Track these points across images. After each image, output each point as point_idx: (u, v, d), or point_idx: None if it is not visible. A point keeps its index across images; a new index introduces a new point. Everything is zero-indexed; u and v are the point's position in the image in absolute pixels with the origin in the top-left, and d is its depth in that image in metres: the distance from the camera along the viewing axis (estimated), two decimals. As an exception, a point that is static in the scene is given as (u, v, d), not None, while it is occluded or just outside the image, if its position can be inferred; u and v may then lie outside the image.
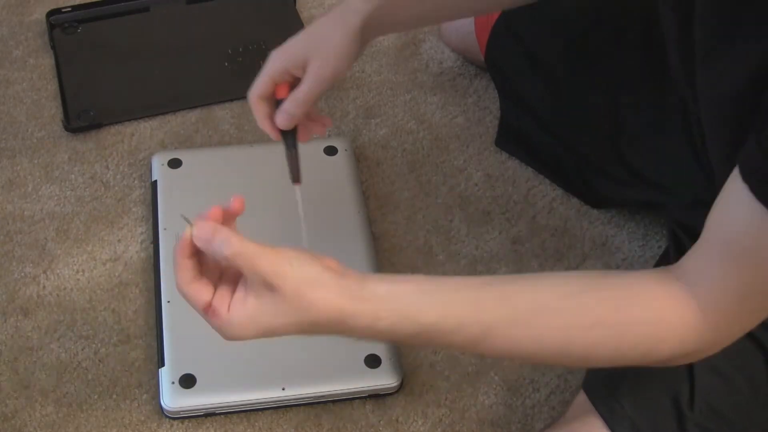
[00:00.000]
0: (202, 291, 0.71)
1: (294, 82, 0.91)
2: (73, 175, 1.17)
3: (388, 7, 0.91)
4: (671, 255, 0.94)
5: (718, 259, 0.65)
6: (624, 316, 0.68)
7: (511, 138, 1.20)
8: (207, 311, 0.71)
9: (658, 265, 0.98)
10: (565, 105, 1.12)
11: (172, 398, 0.94)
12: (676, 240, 0.94)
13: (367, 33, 0.91)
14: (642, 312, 0.68)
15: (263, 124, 0.92)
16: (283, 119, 0.91)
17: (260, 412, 0.96)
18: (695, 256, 0.67)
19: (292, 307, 0.71)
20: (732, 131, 0.69)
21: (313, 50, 0.89)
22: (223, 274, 0.73)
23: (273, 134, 0.92)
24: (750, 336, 0.82)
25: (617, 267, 1.09)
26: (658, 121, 1.01)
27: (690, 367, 0.81)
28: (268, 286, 0.69)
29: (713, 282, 0.66)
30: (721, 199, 0.65)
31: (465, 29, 1.24)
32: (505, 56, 1.17)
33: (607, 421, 0.81)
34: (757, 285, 0.64)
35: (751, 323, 0.69)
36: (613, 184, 1.09)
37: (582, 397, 0.86)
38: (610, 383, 0.84)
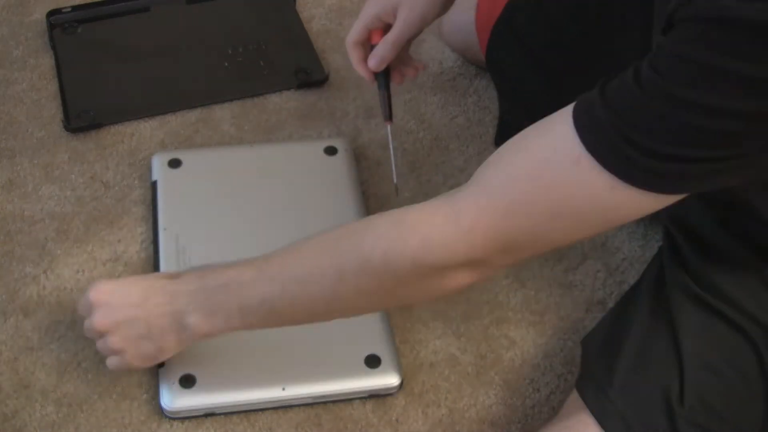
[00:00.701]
0: None
1: (387, 28, 1.01)
2: (73, 175, 1.17)
3: None
4: (664, 253, 0.94)
5: (498, 170, 0.73)
6: (368, 222, 0.78)
7: (510, 137, 1.20)
8: None
9: (652, 264, 0.98)
10: (565, 101, 1.12)
11: (172, 398, 0.94)
12: (670, 237, 0.94)
13: None
14: (384, 218, 0.77)
15: (358, 67, 1.03)
16: (374, 61, 1.01)
17: (260, 412, 0.96)
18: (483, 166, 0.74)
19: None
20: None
21: None
22: None
23: (366, 75, 1.04)
24: (741, 332, 0.82)
25: (617, 267, 1.10)
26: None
27: (680, 362, 0.81)
28: None
29: (476, 187, 0.73)
30: (542, 122, 0.71)
31: (466, 29, 1.24)
32: (505, 55, 1.17)
33: (598, 417, 0.82)
34: (520, 205, 0.69)
35: (513, 243, 0.72)
36: None
37: (575, 395, 0.87)
38: (602, 380, 0.84)
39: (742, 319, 0.83)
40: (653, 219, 1.13)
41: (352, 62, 1.04)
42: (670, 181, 0.66)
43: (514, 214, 0.71)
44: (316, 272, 0.79)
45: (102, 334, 0.88)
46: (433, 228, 0.73)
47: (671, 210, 0.97)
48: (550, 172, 0.68)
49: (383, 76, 1.04)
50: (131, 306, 0.86)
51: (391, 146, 1.08)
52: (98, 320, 0.87)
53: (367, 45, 1.03)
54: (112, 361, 0.91)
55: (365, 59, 1.03)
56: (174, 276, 0.88)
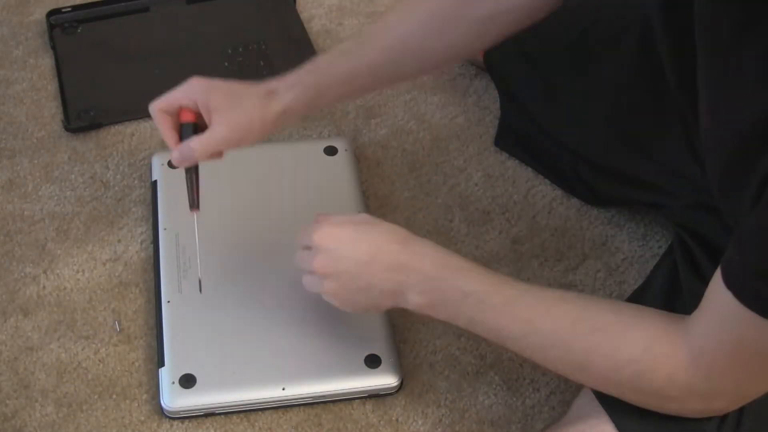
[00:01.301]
0: None
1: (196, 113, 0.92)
2: (73, 175, 1.17)
3: (313, 93, 0.93)
4: (678, 260, 0.93)
5: (706, 318, 0.73)
6: (623, 328, 0.78)
7: (511, 138, 1.20)
8: None
9: (659, 266, 0.98)
10: (563, 107, 1.12)
11: (172, 398, 0.94)
12: (683, 244, 0.93)
13: (284, 118, 0.93)
14: (639, 334, 0.77)
15: (169, 136, 0.91)
16: (177, 158, 0.91)
17: (260, 412, 0.96)
18: (696, 314, 0.75)
19: None
20: (728, 165, 0.73)
21: (226, 109, 0.90)
22: None
23: (173, 149, 0.91)
24: None
25: (617, 267, 1.09)
26: (656, 124, 1.01)
27: None
28: None
29: (707, 333, 0.73)
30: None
31: None
32: (504, 58, 1.17)
33: (617, 422, 0.81)
34: (748, 348, 0.71)
35: (748, 386, 0.75)
36: (612, 185, 1.09)
37: (585, 399, 0.86)
38: None
39: None
40: (655, 220, 1.13)
41: (162, 130, 0.92)
42: None
43: (750, 387, 0.75)
44: (560, 347, 0.80)
45: (320, 276, 0.88)
46: (677, 368, 0.75)
47: (680, 215, 0.97)
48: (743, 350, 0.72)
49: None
50: (358, 261, 0.86)
51: (197, 238, 0.97)
52: (320, 263, 0.87)
53: (175, 115, 0.92)
54: (321, 288, 0.89)
55: (175, 129, 0.92)
56: (406, 242, 0.86)
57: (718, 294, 0.70)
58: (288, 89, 0.92)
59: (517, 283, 0.84)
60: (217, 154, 0.93)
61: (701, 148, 0.83)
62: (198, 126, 0.92)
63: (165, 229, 1.07)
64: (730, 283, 0.69)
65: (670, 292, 0.91)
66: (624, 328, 0.78)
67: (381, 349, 0.97)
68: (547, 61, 1.12)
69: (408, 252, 0.86)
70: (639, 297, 0.95)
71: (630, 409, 0.81)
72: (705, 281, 0.87)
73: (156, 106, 0.92)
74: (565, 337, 0.80)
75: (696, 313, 0.75)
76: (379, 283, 0.86)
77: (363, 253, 0.86)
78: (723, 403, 0.76)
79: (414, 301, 0.85)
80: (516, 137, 1.19)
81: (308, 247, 0.89)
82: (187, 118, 0.92)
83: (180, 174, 1.12)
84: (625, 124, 1.05)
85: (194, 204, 0.94)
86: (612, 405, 0.82)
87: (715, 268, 0.85)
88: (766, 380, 0.74)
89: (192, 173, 0.93)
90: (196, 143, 0.90)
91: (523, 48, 1.13)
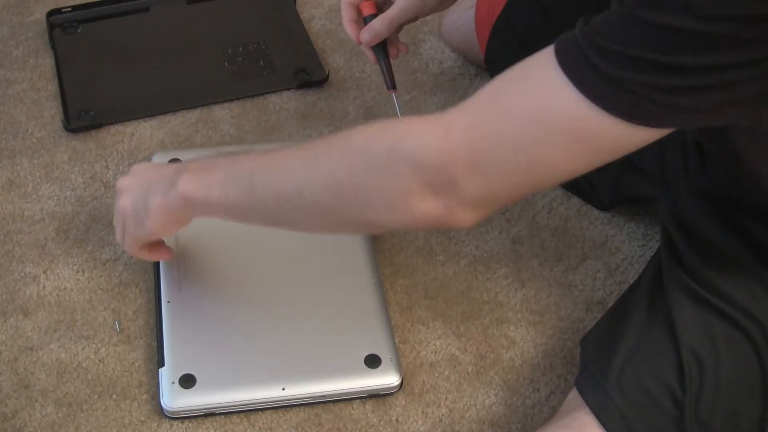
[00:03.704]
0: None
1: (378, 3, 1.05)
2: (73, 175, 1.17)
3: None
4: (661, 249, 0.94)
5: (476, 99, 0.72)
6: (366, 127, 0.78)
7: None
8: None
9: (651, 263, 0.98)
10: None
11: (172, 398, 0.94)
12: (667, 237, 0.94)
13: None
14: (383, 125, 0.77)
15: (348, 27, 1.06)
16: (368, 36, 1.05)
17: (260, 412, 0.96)
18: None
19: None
20: None
21: None
22: None
23: (354, 37, 1.07)
24: (737, 326, 0.82)
25: (617, 267, 1.09)
26: None
27: (678, 357, 0.82)
28: None
29: (464, 110, 0.72)
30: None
31: (466, 28, 1.24)
32: (505, 53, 1.17)
33: (597, 414, 0.82)
34: (510, 121, 0.69)
35: (499, 183, 0.71)
36: (610, 178, 1.09)
37: (573, 394, 0.87)
38: (599, 377, 0.84)
39: (737, 314, 0.83)
40: (654, 220, 1.13)
41: (344, 20, 1.07)
42: (644, 102, 0.64)
43: (491, 123, 0.71)
44: (303, 153, 0.81)
45: (119, 195, 0.94)
46: (416, 125, 0.74)
47: (669, 208, 0.98)
48: (529, 98, 0.69)
49: (381, 47, 1.08)
50: (148, 170, 0.94)
51: (398, 112, 1.11)
52: (120, 180, 0.95)
53: (357, 9, 1.07)
54: (118, 236, 0.97)
55: (355, 21, 1.06)
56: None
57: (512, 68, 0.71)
58: None
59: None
60: (398, 28, 1.06)
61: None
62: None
63: (165, 229, 1.07)
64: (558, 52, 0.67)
65: (655, 284, 0.91)
66: (367, 125, 0.78)
67: (381, 349, 0.97)
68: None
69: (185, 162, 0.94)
70: (630, 293, 0.95)
71: (610, 399, 0.81)
72: (684, 268, 0.87)
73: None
74: (310, 156, 0.80)
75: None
76: (156, 181, 0.90)
77: (152, 167, 0.95)
78: (464, 208, 0.73)
79: (181, 181, 0.86)
80: None
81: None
82: (369, 11, 1.06)
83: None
84: None
85: (391, 84, 1.09)
86: (590, 394, 0.83)
87: (696, 255, 0.86)
88: (522, 174, 0.71)
89: (382, 57, 1.08)
90: (377, 21, 1.04)
91: (525, 44, 1.13)
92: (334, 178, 0.77)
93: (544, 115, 0.68)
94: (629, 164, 1.06)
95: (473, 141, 0.71)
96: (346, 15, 1.06)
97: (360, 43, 1.07)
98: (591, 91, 0.65)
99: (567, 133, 0.68)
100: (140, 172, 0.95)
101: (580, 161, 0.70)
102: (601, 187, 1.12)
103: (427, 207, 0.74)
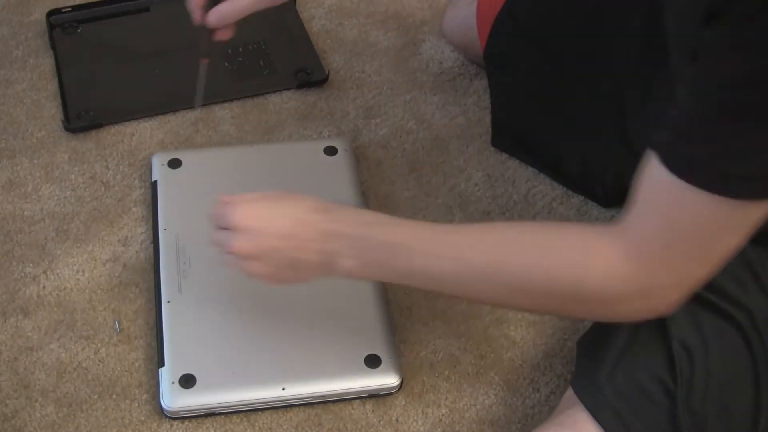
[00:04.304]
0: None
1: None
2: (73, 175, 1.17)
3: None
4: None
5: (641, 212, 0.74)
6: (554, 240, 0.78)
7: (507, 137, 1.20)
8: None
9: None
10: (568, 92, 1.12)
11: (172, 398, 0.94)
12: None
13: None
14: (571, 240, 0.77)
15: (196, 9, 0.98)
16: (216, 18, 0.97)
17: (260, 412, 0.96)
18: (628, 210, 0.75)
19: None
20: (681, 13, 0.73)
21: None
22: None
23: (198, 16, 0.98)
24: (728, 318, 0.83)
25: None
26: (660, 105, 1.02)
27: (669, 351, 0.82)
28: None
29: (640, 220, 0.73)
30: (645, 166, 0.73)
31: (467, 23, 1.24)
32: (507, 46, 1.17)
33: (591, 411, 0.82)
34: (678, 230, 0.71)
35: (689, 269, 0.74)
36: (615, 173, 1.09)
37: (569, 392, 0.87)
38: (592, 374, 0.84)
39: (726, 304, 0.83)
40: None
41: (189, 3, 0.99)
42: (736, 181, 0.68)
43: (675, 241, 0.73)
44: (495, 272, 0.79)
45: (242, 258, 0.87)
46: (614, 264, 0.75)
47: None
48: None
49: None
50: (281, 237, 0.85)
51: (202, 82, 1.07)
52: (242, 245, 0.86)
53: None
54: (246, 269, 0.88)
55: (203, 4, 0.99)
56: (326, 210, 0.86)
57: (647, 179, 0.72)
58: None
59: (440, 225, 0.85)
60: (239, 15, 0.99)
61: None
62: None
63: (165, 229, 1.07)
64: (658, 153, 0.70)
65: None
66: (555, 238, 0.78)
67: (381, 349, 0.97)
68: (551, 49, 1.12)
69: (329, 219, 0.85)
70: None
71: (602, 394, 0.82)
72: None
73: None
74: (498, 263, 0.79)
75: (627, 210, 0.75)
76: (306, 256, 0.85)
77: (284, 227, 0.85)
78: (666, 297, 0.76)
79: (345, 266, 0.84)
80: (513, 135, 1.19)
81: (224, 228, 0.88)
82: None
83: (180, 175, 1.13)
84: (631, 105, 1.05)
85: (206, 53, 1.03)
86: (584, 391, 0.83)
87: None
88: (705, 259, 0.74)
89: (207, 32, 1.00)
90: (227, 6, 0.97)
91: (527, 36, 1.14)
92: (536, 303, 0.80)
93: (715, 230, 0.72)
94: (629, 159, 1.06)
95: (675, 283, 0.75)
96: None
97: (201, 23, 0.99)
98: (744, 195, 0.69)
99: (735, 228, 0.72)
100: (262, 234, 0.86)
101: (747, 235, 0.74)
102: (603, 183, 1.12)
103: (630, 312, 0.78)
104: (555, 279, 0.77)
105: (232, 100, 1.26)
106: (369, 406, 0.97)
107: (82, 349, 1.01)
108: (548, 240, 0.78)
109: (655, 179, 0.71)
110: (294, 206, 0.87)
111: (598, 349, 0.86)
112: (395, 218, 0.86)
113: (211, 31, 1.00)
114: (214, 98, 1.26)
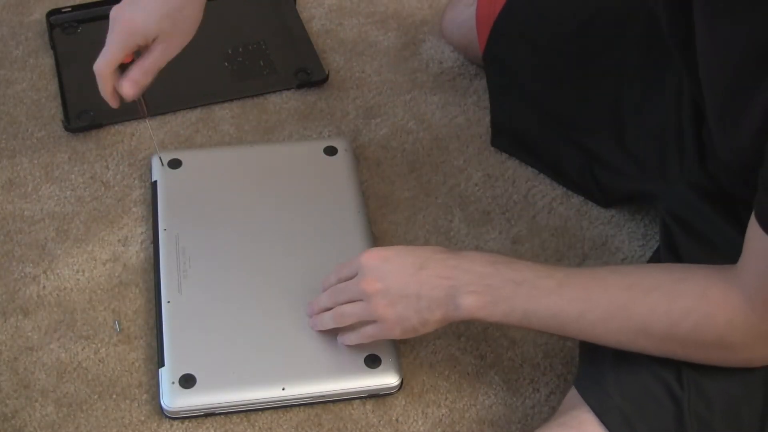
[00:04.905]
0: None
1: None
2: (73, 175, 1.17)
3: None
4: (661, 248, 0.94)
5: (747, 259, 0.75)
6: (678, 284, 0.79)
7: (507, 136, 1.20)
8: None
9: (650, 261, 0.98)
10: (567, 94, 1.12)
11: (172, 398, 0.94)
12: (666, 232, 0.94)
13: None
14: (692, 285, 0.78)
15: (109, 96, 0.98)
16: (130, 88, 0.97)
17: (260, 412, 0.96)
18: (743, 259, 0.76)
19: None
20: (726, 94, 0.75)
21: (168, 26, 0.95)
22: None
23: (115, 103, 0.99)
24: None
25: (617, 267, 1.09)
26: (658, 108, 1.02)
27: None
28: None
29: (758, 273, 0.74)
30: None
31: (466, 25, 1.24)
32: (506, 49, 1.17)
33: (597, 412, 0.82)
34: None
35: None
36: (612, 174, 1.09)
37: (572, 392, 0.87)
38: (598, 375, 0.84)
39: None
40: (654, 219, 1.13)
41: (105, 91, 0.99)
42: None
43: None
44: (619, 316, 0.80)
45: (368, 296, 0.87)
46: (735, 311, 0.76)
47: (668, 202, 0.98)
48: None
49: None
50: (406, 273, 0.86)
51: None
52: (368, 281, 0.87)
53: (116, 74, 0.99)
54: (367, 331, 0.90)
55: (114, 94, 0.99)
56: (452, 251, 0.88)
57: (757, 239, 0.72)
58: None
59: (564, 267, 0.86)
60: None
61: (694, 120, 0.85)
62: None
63: (165, 229, 1.07)
64: (754, 208, 0.72)
65: None
66: (677, 282, 0.79)
67: (381, 349, 0.97)
68: (551, 52, 1.12)
69: (456, 257, 0.86)
70: None
71: (607, 395, 0.82)
72: (680, 258, 0.89)
73: (107, 68, 0.97)
74: (622, 305, 0.80)
75: (742, 259, 0.76)
76: (428, 292, 0.85)
77: (410, 264, 0.87)
78: None
79: (466, 303, 0.84)
80: (512, 135, 1.19)
81: (349, 277, 0.90)
82: (128, 58, 0.98)
83: (180, 175, 1.13)
84: (629, 109, 1.06)
85: (146, 112, 1.03)
86: (589, 392, 0.83)
87: (695, 248, 0.87)
88: None
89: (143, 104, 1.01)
90: (137, 72, 0.96)
91: (527, 39, 1.14)
92: (660, 348, 0.81)
93: None
94: (629, 159, 1.06)
95: None
96: (109, 84, 0.99)
97: (118, 103, 1.00)
98: None
99: None
100: (388, 271, 0.87)
101: None
102: (601, 184, 1.12)
103: (751, 359, 0.79)
104: (676, 324, 0.78)
105: (232, 100, 1.26)
106: (369, 406, 0.97)
107: (82, 349, 1.01)
108: (672, 284, 0.79)
109: (754, 229, 0.73)
110: (419, 248, 0.90)
111: (604, 350, 0.86)
112: (520, 259, 0.87)
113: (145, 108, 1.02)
114: (214, 98, 1.26)
